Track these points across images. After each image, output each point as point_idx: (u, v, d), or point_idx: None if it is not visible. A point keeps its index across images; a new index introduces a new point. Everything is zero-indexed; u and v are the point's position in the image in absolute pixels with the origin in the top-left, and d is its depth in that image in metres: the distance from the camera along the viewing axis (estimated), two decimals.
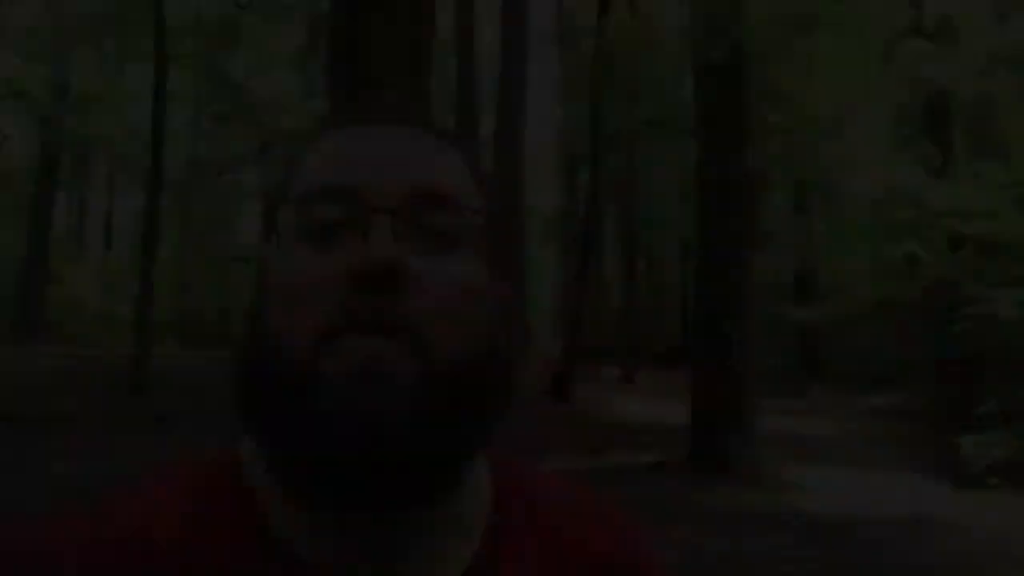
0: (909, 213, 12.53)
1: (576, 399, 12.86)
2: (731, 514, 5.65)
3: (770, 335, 23.11)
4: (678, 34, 17.24)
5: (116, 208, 29.74)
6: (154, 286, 11.51)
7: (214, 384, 12.17)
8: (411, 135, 0.57)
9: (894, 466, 8.33)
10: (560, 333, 23.58)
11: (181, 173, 28.02)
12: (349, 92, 3.82)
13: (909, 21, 9.41)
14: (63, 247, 23.72)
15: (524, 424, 10.35)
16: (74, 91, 17.65)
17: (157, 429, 8.20)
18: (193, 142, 27.62)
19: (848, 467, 8.14)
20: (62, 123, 15.88)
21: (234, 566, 0.51)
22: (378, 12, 3.72)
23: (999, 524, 5.63)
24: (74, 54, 17.60)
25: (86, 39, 17.96)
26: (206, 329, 22.74)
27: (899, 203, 12.75)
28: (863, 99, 9.16)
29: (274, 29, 18.16)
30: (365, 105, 0.64)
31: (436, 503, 0.52)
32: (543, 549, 0.60)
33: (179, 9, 13.58)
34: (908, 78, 11.30)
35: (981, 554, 4.83)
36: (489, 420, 0.53)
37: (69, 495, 5.06)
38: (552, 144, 30.51)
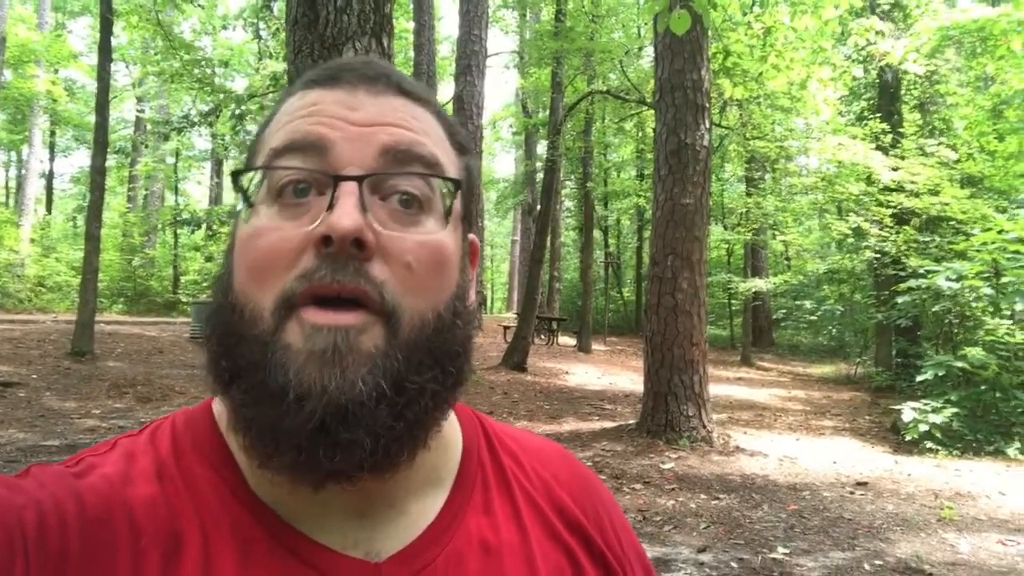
0: (858, 188, 12.87)
1: (532, 368, 12.98)
2: (681, 477, 5.81)
3: (721, 305, 23.63)
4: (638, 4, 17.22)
5: (57, 169, 28.68)
6: (100, 250, 11.13)
7: (160, 349, 11.95)
8: (384, 97, 0.55)
9: (838, 432, 8.65)
10: (517, 303, 23.66)
11: (127, 133, 27.13)
12: (309, 53, 3.73)
13: None
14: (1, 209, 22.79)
15: (482, 393, 10.41)
16: (11, 45, 16.80)
17: (104, 394, 8.03)
18: (139, 101, 26.65)
19: (794, 433, 8.42)
20: None
21: (212, 521, 0.51)
22: None
23: (935, 487, 5.92)
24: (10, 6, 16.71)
25: None
26: (152, 294, 22.18)
27: (848, 178, 13.07)
28: (817, 75, 9.28)
29: None
30: (337, 64, 0.61)
31: (402, 466, 0.52)
32: (509, 497, 0.62)
33: None
34: (861, 55, 11.51)
35: (918, 515, 5.07)
36: (451, 389, 0.53)
37: (16, 461, 4.94)
38: (511, 110, 30.28)
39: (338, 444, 0.46)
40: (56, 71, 23.51)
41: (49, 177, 28.43)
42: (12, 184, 31.69)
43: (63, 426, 6.49)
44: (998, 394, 7.85)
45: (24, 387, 8.03)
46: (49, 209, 27.77)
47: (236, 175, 0.53)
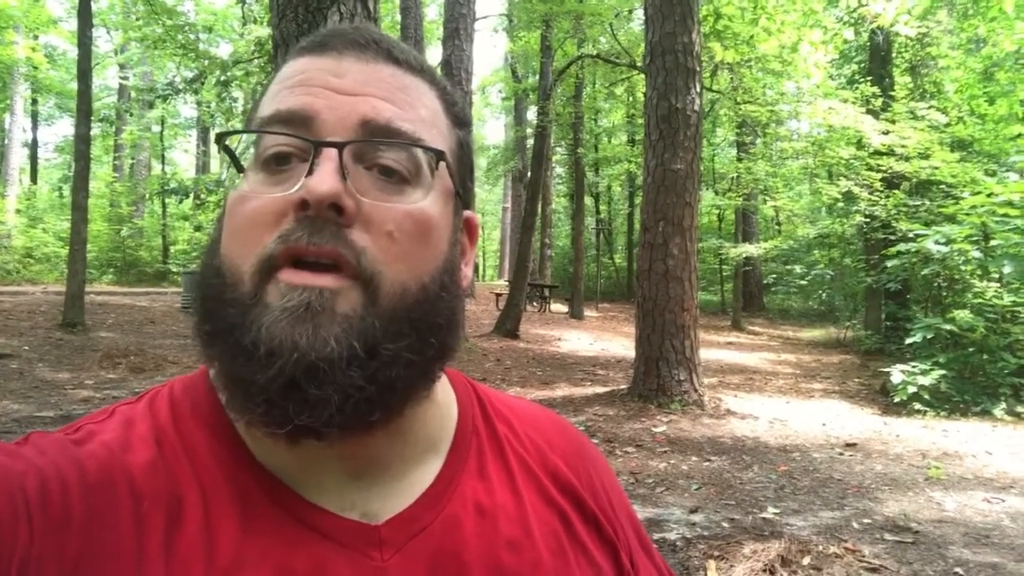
0: (848, 152, 12.83)
1: (525, 335, 13.02)
2: (673, 440, 5.88)
3: (712, 271, 23.70)
4: None
5: (40, 138, 28.22)
6: (87, 220, 11.02)
7: (152, 319, 11.91)
8: (373, 64, 0.55)
9: (827, 394, 8.75)
10: (509, 270, 23.65)
11: (111, 101, 26.70)
12: (293, 17, 3.66)
13: None
14: None
15: (475, 360, 10.45)
16: None
17: (96, 365, 8.01)
18: (123, 68, 26.17)
19: (784, 396, 8.52)
20: None
21: (212, 484, 0.52)
22: None
23: (923, 447, 6.01)
24: None
25: None
26: (142, 265, 22.04)
27: (839, 142, 13.02)
28: (808, 38, 9.19)
29: None
30: (328, 31, 0.60)
31: (388, 429, 0.53)
32: (504, 462, 0.63)
33: None
34: (853, 17, 11.39)
35: (906, 474, 5.16)
36: (435, 357, 0.54)
37: (11, 431, 4.94)
38: (500, 75, 29.93)
39: (307, 400, 0.47)
40: (35, 37, 23.03)
41: (33, 146, 28.01)
42: None
43: (57, 397, 6.49)
44: (985, 356, 7.94)
45: (16, 359, 8.01)
46: (34, 179, 27.42)
47: (220, 138, 0.54)
